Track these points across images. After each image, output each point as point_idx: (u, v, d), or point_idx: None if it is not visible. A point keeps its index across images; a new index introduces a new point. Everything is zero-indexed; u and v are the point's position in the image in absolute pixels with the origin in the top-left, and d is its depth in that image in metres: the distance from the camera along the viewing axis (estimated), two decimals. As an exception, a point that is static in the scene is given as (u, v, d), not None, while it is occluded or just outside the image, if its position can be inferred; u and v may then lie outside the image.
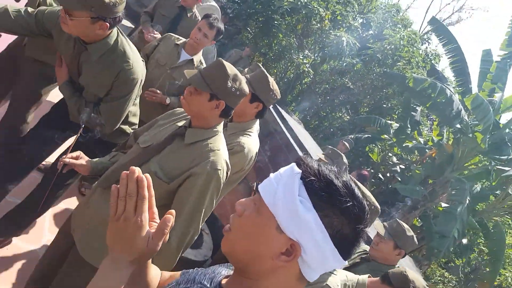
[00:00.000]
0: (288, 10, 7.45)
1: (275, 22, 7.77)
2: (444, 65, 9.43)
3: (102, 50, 1.71)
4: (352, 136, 8.03)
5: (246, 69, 2.61)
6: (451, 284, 7.78)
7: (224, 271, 0.88)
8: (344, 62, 7.72)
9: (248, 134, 2.00)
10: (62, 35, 1.74)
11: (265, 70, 2.05)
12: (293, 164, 0.74)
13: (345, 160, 3.28)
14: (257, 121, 2.08)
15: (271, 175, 0.78)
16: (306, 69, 7.72)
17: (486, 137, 6.17)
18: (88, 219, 1.53)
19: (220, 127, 1.55)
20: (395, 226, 2.20)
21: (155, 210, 0.80)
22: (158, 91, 2.40)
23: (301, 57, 7.87)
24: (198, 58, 2.58)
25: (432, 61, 8.43)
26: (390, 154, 8.18)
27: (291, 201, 0.69)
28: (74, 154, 1.59)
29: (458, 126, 6.68)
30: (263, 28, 8.27)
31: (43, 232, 2.46)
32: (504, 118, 7.45)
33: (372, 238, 2.28)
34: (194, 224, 1.47)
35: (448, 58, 7.81)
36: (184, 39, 2.59)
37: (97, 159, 1.64)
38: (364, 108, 9.39)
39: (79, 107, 1.82)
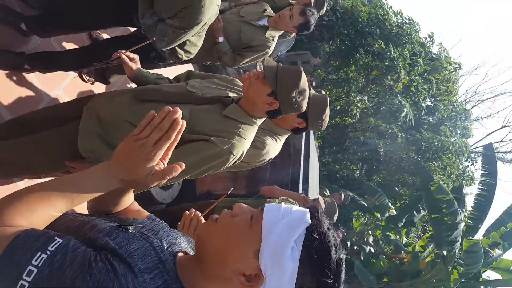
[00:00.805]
0: (375, 52, 7.23)
1: (357, 54, 7.58)
2: (471, 190, 9.18)
3: None
4: (351, 194, 7.89)
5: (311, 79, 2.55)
6: None
7: (184, 244, 0.89)
8: (391, 129, 7.52)
9: (275, 139, 1.98)
10: None
11: (327, 98, 2.00)
12: (308, 212, 0.75)
13: (335, 216, 3.21)
14: (289, 134, 2.06)
15: (283, 204, 0.79)
16: (355, 111, 7.54)
17: (460, 280, 5.99)
18: (105, 111, 1.52)
19: (259, 121, 1.54)
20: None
21: (170, 153, 0.82)
22: (221, 23, 2.35)
23: (358, 98, 7.69)
24: (273, 33, 2.48)
25: (464, 181, 8.19)
26: (370, 232, 8.03)
27: (285, 242, 0.70)
28: (132, 54, 1.60)
29: (445, 253, 6.49)
30: (343, 50, 8.09)
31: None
32: (486, 275, 7.22)
33: None
34: (176, 178, 1.47)
35: (478, 189, 7.55)
36: (273, 14, 2.53)
37: (146, 70, 1.64)
38: (377, 177, 9.20)
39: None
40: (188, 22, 1.75)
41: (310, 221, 0.73)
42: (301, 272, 0.69)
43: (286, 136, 2.06)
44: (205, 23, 1.83)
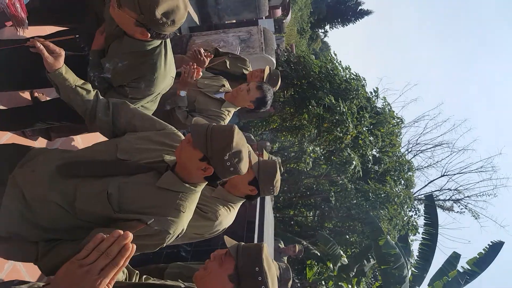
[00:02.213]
0: (326, 105, 7.63)
1: (310, 105, 7.94)
2: (417, 237, 9.63)
3: (136, 48, 1.62)
4: (305, 243, 7.92)
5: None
6: None
7: None
8: (341, 180, 7.80)
9: (229, 208, 1.94)
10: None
11: (278, 165, 2.04)
12: None
13: (290, 283, 3.19)
14: (243, 201, 2.03)
15: None
16: (308, 161, 7.77)
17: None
18: (28, 187, 1.30)
19: (200, 188, 1.39)
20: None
21: (116, 277, 0.78)
22: (192, 80, 2.39)
23: (310, 148, 7.95)
24: (229, 108, 2.50)
25: (409, 231, 8.58)
26: (323, 283, 8.02)
27: None
28: (53, 46, 1.40)
29: (393, 304, 6.61)
30: (297, 99, 8.45)
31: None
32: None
33: None
34: None
35: (422, 238, 7.94)
36: (230, 89, 2.59)
37: (69, 72, 1.46)
38: (329, 224, 9.37)
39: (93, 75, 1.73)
40: (139, 93, 1.70)
41: None
42: None
43: (240, 204, 2.03)
44: (157, 94, 1.80)
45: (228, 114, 2.49)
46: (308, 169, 8.40)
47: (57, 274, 0.75)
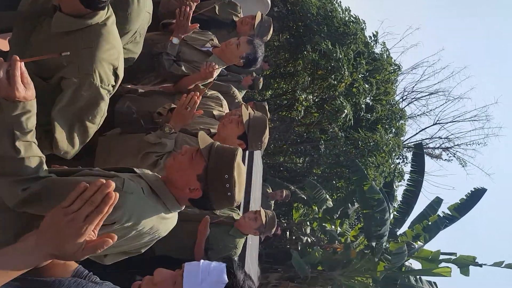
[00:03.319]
0: (321, 51, 7.41)
1: (305, 51, 7.71)
2: (402, 183, 9.97)
3: (70, 27, 1.32)
4: (292, 188, 8.19)
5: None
6: None
7: None
8: (332, 128, 7.84)
9: None
10: None
11: (267, 120, 2.07)
12: (224, 270, 0.82)
13: (273, 229, 3.33)
14: None
15: (201, 263, 0.83)
16: (300, 109, 7.74)
17: (385, 272, 6.55)
18: None
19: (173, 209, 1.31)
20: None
21: (101, 223, 0.80)
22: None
23: (303, 96, 7.87)
24: (217, 62, 2.33)
25: (395, 178, 8.85)
26: (308, 223, 8.43)
27: None
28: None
29: (373, 245, 7.03)
30: (292, 43, 8.19)
31: None
32: (408, 262, 7.96)
33: None
34: None
35: (407, 184, 8.22)
36: (219, 45, 2.45)
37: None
38: (317, 170, 9.61)
39: None
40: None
41: (227, 280, 0.79)
42: None
43: None
44: (135, 32, 1.72)
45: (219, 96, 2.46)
46: (299, 117, 8.40)
47: (43, 224, 0.76)
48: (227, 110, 2.38)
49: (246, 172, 5.01)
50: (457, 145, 13.00)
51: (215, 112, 2.30)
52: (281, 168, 10.02)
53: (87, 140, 1.45)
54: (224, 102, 2.41)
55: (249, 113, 2.06)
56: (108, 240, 0.78)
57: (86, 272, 1.00)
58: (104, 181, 0.76)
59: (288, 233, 8.60)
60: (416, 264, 7.97)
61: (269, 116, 2.37)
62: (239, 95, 2.71)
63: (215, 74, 2.20)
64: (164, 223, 1.26)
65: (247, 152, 4.99)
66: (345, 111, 7.17)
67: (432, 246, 8.71)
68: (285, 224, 8.64)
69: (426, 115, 13.22)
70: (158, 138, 1.90)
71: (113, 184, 0.76)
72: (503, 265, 7.07)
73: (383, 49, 9.74)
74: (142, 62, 2.10)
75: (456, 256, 7.57)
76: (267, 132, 2.05)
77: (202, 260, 0.87)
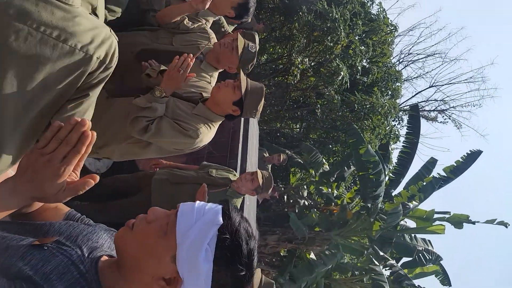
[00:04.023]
0: (317, 12, 7.20)
1: (300, 11, 7.49)
2: (397, 145, 10.05)
3: None
4: (289, 153, 8.23)
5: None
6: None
7: (107, 244, 0.89)
8: (328, 92, 7.77)
9: (209, 126, 1.97)
10: None
11: (263, 88, 2.05)
12: (219, 211, 0.78)
13: (270, 190, 3.35)
14: (222, 119, 2.06)
15: (196, 204, 0.80)
16: (296, 73, 7.62)
17: (380, 231, 6.72)
18: None
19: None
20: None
21: (82, 164, 0.78)
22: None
23: (299, 60, 7.73)
24: (205, 16, 2.26)
25: (390, 139, 8.89)
26: (305, 187, 8.54)
27: (198, 246, 0.74)
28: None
29: (369, 206, 7.17)
30: (287, 6, 7.95)
31: None
32: (403, 222, 8.16)
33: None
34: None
35: (402, 146, 8.28)
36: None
37: None
38: (314, 135, 9.63)
39: None
40: None
41: (221, 221, 0.77)
42: (216, 270, 0.75)
43: (219, 122, 2.06)
44: None
45: (205, 23, 2.30)
46: (296, 81, 8.30)
47: (19, 166, 0.74)
48: (226, 27, 2.38)
49: (242, 137, 5.00)
50: (453, 107, 13.01)
51: (205, 51, 2.21)
52: (278, 134, 10.02)
53: None
54: (212, 35, 2.26)
55: (247, 80, 2.01)
56: (89, 181, 0.76)
57: (78, 215, 0.99)
58: (78, 119, 0.73)
59: (285, 197, 8.73)
60: (411, 224, 8.19)
61: (257, 45, 2.23)
62: (227, 25, 2.56)
63: (208, 3, 1.98)
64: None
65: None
66: (341, 73, 7.08)
67: (427, 206, 8.90)
68: (282, 189, 8.76)
69: (422, 77, 13.14)
70: (148, 102, 1.82)
71: (88, 123, 0.73)
72: (495, 223, 7.27)
73: (379, 9, 9.50)
74: (127, 21, 2.01)
75: (450, 214, 7.76)
76: (263, 100, 2.03)
77: (197, 201, 0.85)
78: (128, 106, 1.87)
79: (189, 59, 1.77)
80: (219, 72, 2.29)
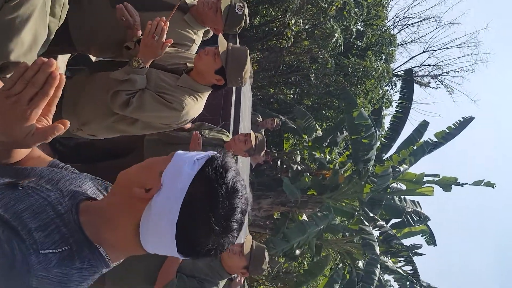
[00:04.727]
0: (311, -29, 6.98)
1: (294, -29, 7.26)
2: (390, 111, 10.08)
3: None
4: (283, 118, 8.23)
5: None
6: (264, 272, 8.90)
7: (91, 190, 0.88)
8: (322, 54, 7.66)
9: (195, 97, 1.85)
10: None
11: (247, 52, 1.87)
12: (211, 154, 0.80)
13: (263, 152, 3.34)
14: (210, 90, 1.92)
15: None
16: (289, 35, 7.47)
17: (370, 193, 6.88)
18: None
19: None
20: (260, 254, 2.32)
21: (53, 109, 0.76)
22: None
23: (293, 21, 7.56)
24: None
25: (383, 104, 8.91)
26: (298, 152, 8.62)
27: (189, 157, 0.77)
28: None
29: (360, 169, 7.30)
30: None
31: None
32: (394, 184, 8.34)
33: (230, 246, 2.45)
34: None
35: (395, 111, 8.31)
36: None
37: None
38: (307, 101, 9.60)
39: None
40: None
41: (216, 153, 0.80)
42: (196, 181, 0.74)
43: (207, 93, 1.94)
44: None
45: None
46: (289, 44, 8.15)
47: None
48: None
49: (235, 99, 4.95)
50: (446, 72, 12.97)
51: (188, 0, 2.00)
52: (271, 100, 9.98)
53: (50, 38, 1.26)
54: None
55: (227, 44, 1.84)
56: (59, 125, 0.74)
57: (62, 164, 0.98)
58: (45, 59, 0.70)
59: (279, 162, 8.83)
60: (401, 187, 8.38)
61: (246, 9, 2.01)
62: None
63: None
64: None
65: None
66: (336, 35, 6.97)
67: (417, 170, 9.08)
68: (276, 154, 8.84)
69: (416, 42, 12.96)
70: (126, 74, 1.70)
71: (55, 63, 0.70)
72: (482, 184, 7.47)
73: (375, -30, 9.22)
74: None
75: (439, 177, 7.94)
76: (247, 66, 1.84)
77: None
78: (109, 80, 1.77)
79: (162, 23, 1.61)
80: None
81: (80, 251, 0.72)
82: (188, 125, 3.10)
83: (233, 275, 2.43)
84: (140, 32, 1.78)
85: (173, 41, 1.69)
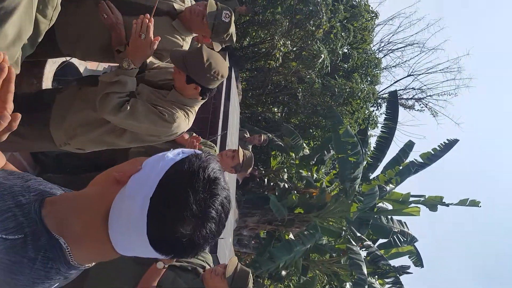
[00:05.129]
0: (300, -5, 7.21)
1: (283, -5, 7.48)
2: (375, 132, 10.25)
3: None
4: (270, 136, 8.27)
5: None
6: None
7: (59, 193, 0.82)
8: (309, 75, 7.81)
9: (186, 112, 1.84)
10: None
11: (202, 48, 1.78)
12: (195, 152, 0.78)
13: (250, 169, 3.29)
14: (200, 102, 1.89)
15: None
16: (278, 56, 7.62)
17: (357, 212, 6.87)
18: None
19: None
20: (243, 278, 2.19)
21: (10, 106, 0.70)
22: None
23: (281, 42, 7.73)
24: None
25: (369, 125, 9.05)
26: (285, 170, 8.62)
27: (171, 152, 0.75)
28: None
29: (347, 188, 7.31)
30: (270, -12, 7.90)
31: None
32: (380, 204, 8.37)
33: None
34: None
35: (380, 131, 8.45)
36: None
37: None
38: (295, 120, 9.69)
39: None
40: None
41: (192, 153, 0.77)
42: (179, 162, 0.72)
43: (197, 106, 1.94)
44: None
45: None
46: (277, 64, 8.30)
47: None
48: (188, 4, 2.07)
49: (223, 113, 4.94)
50: (429, 96, 13.34)
51: (176, 6, 1.98)
52: (259, 118, 10.05)
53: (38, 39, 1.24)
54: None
55: (181, 52, 1.81)
56: (8, 114, 0.70)
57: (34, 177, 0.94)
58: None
59: (266, 180, 8.80)
60: (388, 207, 8.40)
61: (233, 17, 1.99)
62: None
63: None
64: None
65: (223, 92, 4.93)
66: (322, 55, 7.13)
67: (403, 190, 9.15)
68: (263, 172, 8.82)
69: (401, 66, 13.37)
70: (116, 76, 1.67)
71: (2, 54, 0.68)
72: (467, 203, 7.55)
73: (361, -4, 9.58)
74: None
75: (425, 198, 8.01)
76: (206, 58, 1.72)
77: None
78: (97, 87, 1.74)
79: (146, 20, 1.60)
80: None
81: (36, 240, 0.67)
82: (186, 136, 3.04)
83: None
84: (123, 32, 1.78)
85: (159, 38, 1.67)
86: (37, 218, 0.69)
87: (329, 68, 7.72)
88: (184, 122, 1.84)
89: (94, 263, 0.77)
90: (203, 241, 0.70)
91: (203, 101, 1.91)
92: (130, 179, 0.72)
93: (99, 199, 0.73)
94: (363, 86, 8.26)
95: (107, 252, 0.73)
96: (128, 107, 1.68)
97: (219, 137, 4.23)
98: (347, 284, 7.66)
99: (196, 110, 1.94)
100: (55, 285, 0.71)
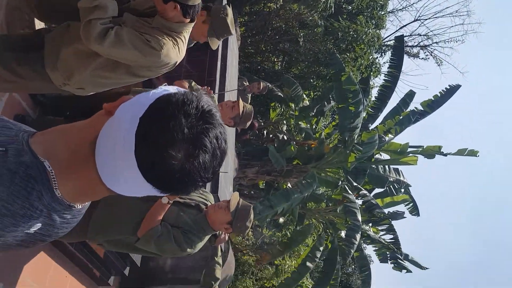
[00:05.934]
0: None
1: None
2: (377, 81, 9.97)
3: None
4: (270, 86, 8.03)
5: None
6: (247, 242, 9.00)
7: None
8: (311, 16, 7.38)
9: (175, 39, 1.78)
10: None
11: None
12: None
13: (249, 123, 3.20)
14: (189, 27, 1.83)
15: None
16: (277, -3, 7.16)
17: (355, 162, 6.85)
18: None
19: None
20: (245, 211, 2.28)
21: None
22: None
23: (280, -17, 7.23)
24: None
25: (371, 73, 8.75)
26: (284, 122, 8.50)
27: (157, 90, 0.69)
28: None
29: (346, 138, 7.24)
30: None
31: None
32: (378, 155, 8.35)
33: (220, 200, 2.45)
34: None
35: (383, 79, 8.18)
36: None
37: None
38: (296, 69, 9.37)
39: None
40: None
41: (186, 91, 0.71)
42: (174, 91, 0.68)
43: (187, 32, 1.85)
44: None
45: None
46: (278, 6, 7.83)
47: None
48: None
49: (221, 55, 4.71)
50: (435, 42, 12.81)
51: None
52: (259, 68, 9.72)
53: None
54: None
55: None
56: None
57: None
58: None
59: (265, 132, 8.71)
60: (385, 157, 8.39)
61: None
62: None
63: None
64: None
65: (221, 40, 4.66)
66: (325, -4, 6.69)
67: (402, 140, 9.10)
68: (262, 123, 8.70)
69: (407, 10, 12.68)
70: (95, 0, 1.62)
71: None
72: (465, 153, 7.52)
73: None
74: None
75: (423, 148, 7.96)
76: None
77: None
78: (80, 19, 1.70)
79: None
80: None
81: (18, 156, 0.65)
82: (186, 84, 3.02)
83: (218, 232, 2.41)
84: None
85: None
86: (23, 142, 0.67)
87: (333, 9, 7.27)
88: (172, 50, 1.79)
89: (84, 204, 0.73)
90: (197, 173, 0.64)
91: (191, 24, 1.84)
92: (120, 106, 0.68)
93: (88, 128, 0.70)
94: (367, 30, 7.84)
95: (95, 186, 0.69)
96: (113, 34, 1.65)
97: (217, 79, 4.09)
98: (342, 232, 7.87)
99: (187, 38, 1.88)
100: (38, 224, 0.67)
